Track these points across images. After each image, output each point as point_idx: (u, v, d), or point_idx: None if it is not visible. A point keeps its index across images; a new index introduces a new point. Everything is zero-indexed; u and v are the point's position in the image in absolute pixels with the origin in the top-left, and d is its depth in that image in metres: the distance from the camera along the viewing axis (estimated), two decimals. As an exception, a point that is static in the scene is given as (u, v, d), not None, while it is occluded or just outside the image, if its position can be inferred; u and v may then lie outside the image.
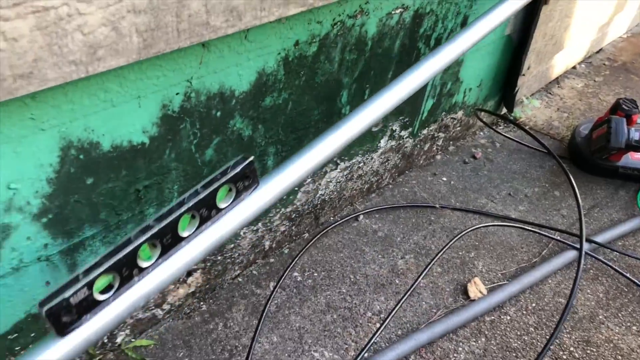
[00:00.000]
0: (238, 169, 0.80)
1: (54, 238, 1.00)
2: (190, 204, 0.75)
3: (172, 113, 1.04)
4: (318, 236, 1.72)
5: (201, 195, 0.77)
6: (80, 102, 0.87)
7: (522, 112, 2.47)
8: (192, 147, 1.14)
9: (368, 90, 1.51)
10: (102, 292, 0.70)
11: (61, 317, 0.67)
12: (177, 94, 1.02)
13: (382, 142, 1.77)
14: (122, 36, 0.80)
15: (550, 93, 2.70)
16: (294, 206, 1.59)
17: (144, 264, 0.74)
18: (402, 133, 1.84)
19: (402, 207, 1.89)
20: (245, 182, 0.83)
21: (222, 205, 0.81)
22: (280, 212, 1.55)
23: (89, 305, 0.70)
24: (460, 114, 2.10)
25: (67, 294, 0.66)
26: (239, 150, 1.25)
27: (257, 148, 1.30)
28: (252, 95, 1.19)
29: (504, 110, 2.39)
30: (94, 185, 1.00)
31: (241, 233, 1.46)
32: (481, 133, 2.34)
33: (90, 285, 0.68)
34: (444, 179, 2.05)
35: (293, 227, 1.66)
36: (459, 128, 2.18)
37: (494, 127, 2.35)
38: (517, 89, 2.23)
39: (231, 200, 0.82)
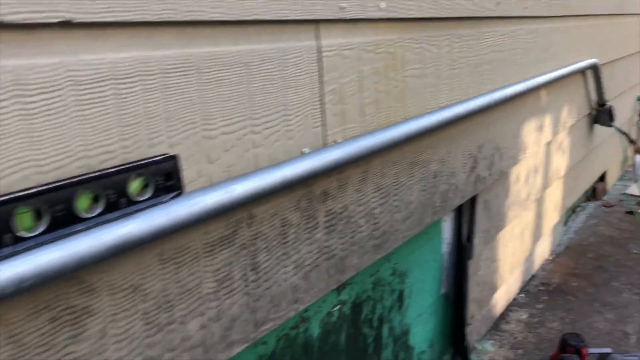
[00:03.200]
0: (157, 160, 0.68)
1: None
2: (93, 175, 0.60)
3: None
4: None
5: (109, 171, 0.62)
6: None
7: (479, 358, 2.49)
8: None
9: (323, 387, 1.51)
10: None
11: None
12: None
13: None
14: None
15: (499, 330, 2.77)
16: None
17: (21, 233, 0.56)
18: (366, 415, 1.79)
19: None
20: (167, 182, 0.70)
21: (134, 197, 0.67)
22: None
23: None
24: (419, 377, 2.10)
25: None
26: None
27: None
28: None
29: (461, 361, 2.40)
30: None
31: None
32: (445, 389, 2.31)
33: None
34: None
35: None
36: (421, 391, 2.15)
37: (455, 380, 2.33)
38: (466, 340, 2.28)
39: (146, 197, 0.68)
